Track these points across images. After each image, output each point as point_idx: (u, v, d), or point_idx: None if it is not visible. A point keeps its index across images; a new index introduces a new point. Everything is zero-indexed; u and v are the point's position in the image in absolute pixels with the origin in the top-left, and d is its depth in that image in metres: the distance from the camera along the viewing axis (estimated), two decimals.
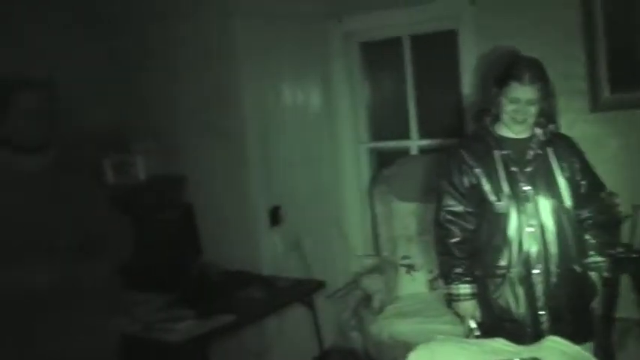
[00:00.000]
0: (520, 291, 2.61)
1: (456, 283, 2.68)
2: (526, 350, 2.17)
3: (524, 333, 2.57)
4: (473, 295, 2.68)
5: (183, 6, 3.77)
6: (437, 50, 4.15)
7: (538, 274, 2.59)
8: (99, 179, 3.60)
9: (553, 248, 2.58)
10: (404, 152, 4.29)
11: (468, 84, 3.84)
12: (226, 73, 3.70)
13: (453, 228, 2.67)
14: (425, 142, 4.22)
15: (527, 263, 2.59)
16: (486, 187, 2.62)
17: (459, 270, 2.67)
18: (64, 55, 3.66)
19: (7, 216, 2.38)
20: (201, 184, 3.85)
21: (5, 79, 2.44)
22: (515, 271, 2.60)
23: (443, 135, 4.10)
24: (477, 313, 2.71)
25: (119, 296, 2.73)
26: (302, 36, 4.07)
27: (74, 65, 3.71)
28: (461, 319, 2.77)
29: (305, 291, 3.45)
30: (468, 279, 2.67)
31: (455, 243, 2.67)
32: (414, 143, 4.25)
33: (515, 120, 2.57)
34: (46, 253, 2.41)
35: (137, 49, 3.97)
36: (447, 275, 2.72)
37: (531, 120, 2.58)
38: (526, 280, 2.60)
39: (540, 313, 2.61)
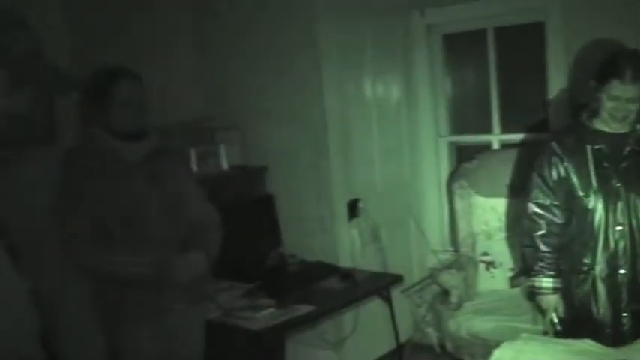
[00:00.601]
0: (603, 289, 2.55)
1: (540, 276, 2.65)
2: (615, 352, 2.11)
3: (603, 333, 2.51)
4: (555, 289, 2.64)
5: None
6: (522, 43, 4.06)
7: (624, 274, 2.51)
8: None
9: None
10: (485, 147, 4.22)
11: (554, 77, 3.74)
12: (309, 64, 3.72)
13: (540, 221, 2.63)
14: (507, 137, 4.13)
15: (613, 262, 2.53)
16: (575, 181, 2.56)
17: (542, 263, 2.63)
18: (157, 47, 3.77)
19: (109, 200, 2.48)
20: (282, 175, 3.90)
21: (106, 71, 2.55)
22: (600, 269, 2.54)
23: (526, 130, 4.01)
24: (560, 308, 2.67)
25: (207, 284, 2.80)
26: (384, 29, 4.06)
27: (165, 56, 3.82)
28: (542, 312, 2.73)
29: (383, 284, 3.45)
30: (551, 272, 2.63)
31: (540, 236, 2.63)
32: (496, 138, 4.17)
33: (615, 117, 2.49)
34: (147, 243, 2.50)
35: (222, 41, 4.04)
36: (530, 268, 2.68)
37: (632, 117, 2.49)
38: (611, 279, 2.54)
39: (623, 314, 2.54)
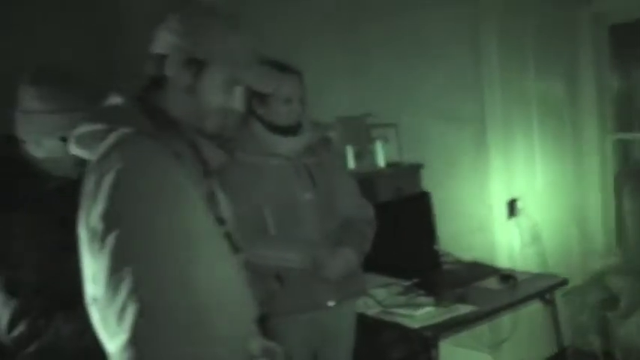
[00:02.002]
0: None
1: None
2: None
3: None
4: None
5: None
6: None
7: None
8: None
9: None
10: None
11: None
12: (467, 60, 3.64)
13: None
14: (622, 136, 3.84)
15: None
16: None
17: None
18: (313, 43, 3.85)
19: (266, 193, 2.55)
20: (438, 172, 3.84)
21: (273, 65, 2.62)
22: None
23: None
24: None
25: (361, 278, 2.80)
26: (546, 20, 3.89)
27: (321, 54, 3.89)
28: None
29: (546, 287, 3.30)
30: None
31: None
32: (611, 137, 3.89)
33: None
34: (298, 240, 2.55)
35: (377, 36, 4.05)
36: None
37: None
38: None
39: None
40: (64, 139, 1.90)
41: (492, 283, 3.28)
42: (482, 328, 3.66)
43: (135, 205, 1.42)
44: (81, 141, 1.57)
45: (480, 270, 3.46)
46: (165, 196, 1.45)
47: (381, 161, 3.79)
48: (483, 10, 3.59)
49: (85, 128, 1.57)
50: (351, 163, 3.70)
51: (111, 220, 1.40)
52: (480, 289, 3.25)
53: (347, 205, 2.70)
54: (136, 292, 1.36)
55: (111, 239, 1.39)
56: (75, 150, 1.59)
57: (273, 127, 2.57)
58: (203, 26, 1.57)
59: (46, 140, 1.92)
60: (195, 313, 1.45)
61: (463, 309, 2.99)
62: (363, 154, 3.78)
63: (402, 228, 3.54)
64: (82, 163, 1.96)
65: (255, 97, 2.59)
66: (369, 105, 4.08)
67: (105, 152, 1.48)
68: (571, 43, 4.02)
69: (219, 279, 1.57)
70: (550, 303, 3.30)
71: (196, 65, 1.55)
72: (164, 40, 1.58)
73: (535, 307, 3.48)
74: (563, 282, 3.35)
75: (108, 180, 1.42)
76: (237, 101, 1.60)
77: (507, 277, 3.30)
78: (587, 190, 4.15)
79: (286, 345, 2.57)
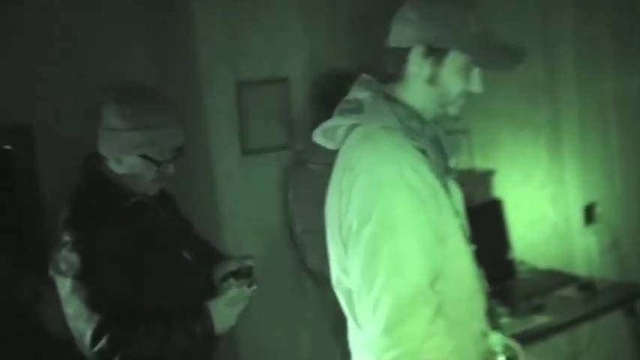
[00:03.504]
0: None
1: None
2: None
3: None
4: None
5: None
6: None
7: None
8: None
9: None
10: None
11: None
12: (540, 65, 3.57)
13: None
14: None
15: None
16: None
17: None
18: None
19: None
20: (511, 179, 3.77)
21: (343, 76, 2.63)
22: None
23: None
24: None
25: None
26: (624, 20, 3.77)
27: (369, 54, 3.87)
28: None
29: (627, 296, 3.19)
30: None
31: None
32: None
33: None
34: None
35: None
36: None
37: None
38: None
39: None
40: (144, 156, 1.96)
41: (570, 292, 3.21)
42: (560, 340, 3.55)
43: (388, 202, 1.49)
44: (327, 134, 1.72)
45: (557, 278, 3.39)
46: (416, 192, 1.50)
47: None
48: (561, 18, 3.50)
49: (332, 122, 1.69)
50: None
51: (366, 217, 1.49)
52: (557, 298, 3.18)
53: None
54: (389, 286, 1.46)
55: (366, 236, 1.49)
56: (319, 140, 1.74)
57: None
58: (441, 14, 1.59)
59: (126, 157, 1.98)
60: (440, 305, 1.51)
61: (539, 320, 2.94)
62: None
63: (474, 236, 3.49)
64: (160, 179, 2.03)
65: (323, 109, 2.61)
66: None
67: (356, 149, 1.59)
68: None
69: (461, 271, 1.66)
70: (632, 313, 3.19)
71: (436, 54, 1.59)
72: (402, 34, 1.62)
73: (615, 317, 3.36)
74: None
75: (363, 178, 1.52)
76: (476, 83, 1.64)
77: (586, 285, 3.21)
78: None
79: None
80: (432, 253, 1.51)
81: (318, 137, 1.74)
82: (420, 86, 1.62)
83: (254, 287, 2.06)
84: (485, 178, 3.82)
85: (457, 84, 1.61)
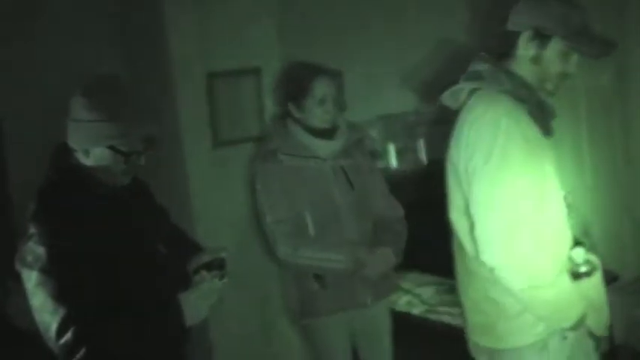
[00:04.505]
0: None
1: None
2: None
3: None
4: None
5: None
6: None
7: None
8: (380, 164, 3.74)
9: None
10: None
11: None
12: None
13: None
14: None
15: None
16: None
17: None
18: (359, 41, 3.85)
19: (306, 195, 2.58)
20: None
21: (307, 67, 2.65)
22: None
23: None
24: None
25: (395, 277, 2.82)
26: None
27: (361, 52, 3.88)
28: None
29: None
30: None
31: None
32: None
33: None
34: (340, 238, 2.58)
35: (418, 31, 4.03)
36: None
37: None
38: None
39: None
40: (112, 148, 1.95)
41: None
42: None
43: (506, 146, 1.84)
44: (452, 96, 2.07)
45: None
46: (527, 139, 1.87)
47: (424, 159, 3.77)
48: None
49: (457, 87, 2.05)
50: (393, 161, 3.69)
51: (488, 156, 1.85)
52: None
53: (380, 206, 2.73)
54: (503, 219, 1.82)
55: (489, 171, 1.85)
56: (446, 101, 2.10)
57: (311, 129, 2.61)
58: (547, 7, 1.94)
59: (94, 149, 1.96)
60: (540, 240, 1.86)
61: None
62: (406, 152, 3.76)
63: (445, 225, 3.51)
64: (129, 170, 2.01)
65: (291, 100, 2.63)
66: (414, 102, 4.07)
67: (479, 107, 1.94)
68: (620, 33, 3.91)
69: (556, 206, 2.02)
70: None
71: (541, 39, 1.94)
72: (515, 20, 1.98)
73: None
74: (614, 278, 3.29)
75: (486, 129, 1.87)
76: (572, 66, 1.98)
77: None
78: (637, 181, 4.05)
79: (327, 345, 2.65)
80: (536, 191, 1.88)
81: (446, 99, 2.10)
82: (525, 64, 1.98)
83: (225, 280, 2.06)
84: None
85: (556, 65, 1.97)
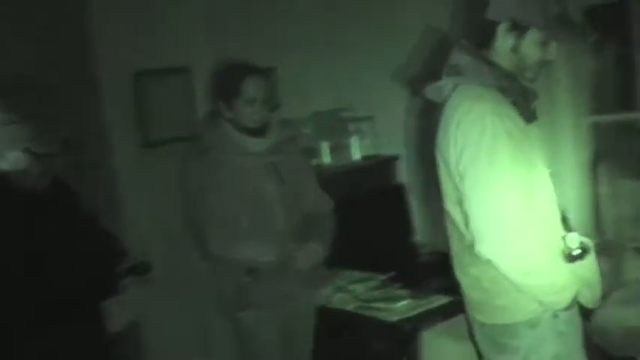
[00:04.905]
0: None
1: None
2: None
3: None
4: None
5: None
6: None
7: None
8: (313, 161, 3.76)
9: None
10: (631, 125, 3.94)
11: None
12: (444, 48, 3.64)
13: None
14: None
15: None
16: None
17: None
18: (291, 39, 3.85)
19: (237, 191, 2.60)
20: (416, 164, 3.84)
21: (236, 67, 2.65)
22: None
23: None
24: None
25: (323, 273, 2.86)
26: None
27: (296, 50, 3.89)
28: None
29: None
30: None
31: None
32: None
33: None
34: (269, 232, 2.62)
35: (350, 29, 4.04)
36: None
37: None
38: None
39: None
40: (27, 151, 1.90)
41: None
42: (460, 319, 3.66)
43: (492, 145, 1.91)
44: (436, 91, 2.09)
45: None
46: (512, 136, 1.93)
47: (357, 155, 3.80)
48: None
49: (439, 83, 2.07)
50: (326, 158, 3.71)
51: (476, 156, 1.92)
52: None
53: (310, 201, 2.78)
54: (494, 215, 1.90)
55: (476, 171, 1.92)
56: (430, 95, 2.13)
57: (242, 127, 2.62)
58: None
59: (9, 153, 1.91)
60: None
61: (440, 300, 3.02)
62: (339, 148, 3.78)
63: (378, 221, 3.56)
64: (47, 173, 1.97)
65: (221, 99, 2.63)
66: (348, 98, 4.09)
67: (462, 104, 1.96)
68: None
69: (545, 195, 2.09)
70: None
71: (518, 30, 1.98)
72: (494, 10, 2.00)
73: None
74: None
75: (471, 128, 1.92)
76: (552, 54, 2.01)
77: None
78: (562, 174, 4.15)
79: (260, 336, 2.68)
80: (522, 182, 1.95)
81: (429, 93, 2.13)
82: (504, 53, 2.02)
83: (150, 283, 2.04)
84: (388, 163, 3.89)
85: (535, 54, 2.00)
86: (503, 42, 2.01)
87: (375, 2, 3.88)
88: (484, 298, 2.18)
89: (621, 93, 4.01)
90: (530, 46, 2.00)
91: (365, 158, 3.85)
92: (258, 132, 2.66)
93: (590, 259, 2.15)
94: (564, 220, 2.21)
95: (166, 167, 3.15)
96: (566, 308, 2.07)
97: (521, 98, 2.04)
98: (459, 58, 2.05)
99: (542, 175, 2.11)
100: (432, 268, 3.42)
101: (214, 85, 2.74)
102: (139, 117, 3.06)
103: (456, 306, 3.15)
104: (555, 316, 2.08)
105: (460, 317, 3.63)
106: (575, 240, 2.09)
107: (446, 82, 2.07)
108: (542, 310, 2.06)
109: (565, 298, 2.04)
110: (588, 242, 2.15)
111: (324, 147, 3.72)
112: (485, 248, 1.95)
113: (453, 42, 2.13)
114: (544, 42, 1.99)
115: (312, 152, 3.78)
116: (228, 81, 2.64)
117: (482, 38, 2.05)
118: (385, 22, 3.87)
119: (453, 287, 3.16)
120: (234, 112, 2.63)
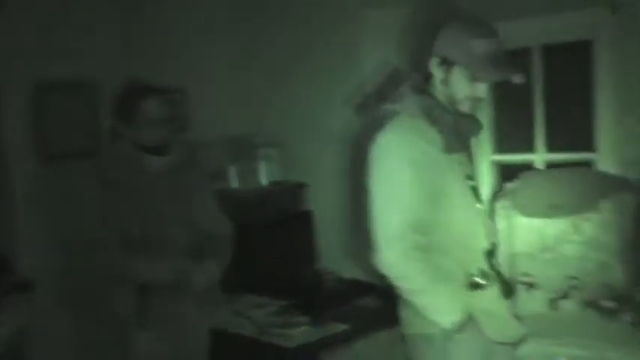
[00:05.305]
0: None
1: None
2: None
3: None
4: None
5: None
6: (568, 61, 3.97)
7: None
8: (221, 184, 3.74)
9: None
10: (529, 166, 4.13)
11: (601, 97, 3.65)
12: (348, 81, 3.72)
13: None
14: (552, 156, 4.04)
15: None
16: None
17: None
18: (202, 63, 3.84)
19: (134, 209, 2.58)
20: (323, 191, 3.88)
21: (136, 87, 2.63)
22: None
23: (571, 149, 3.92)
24: None
25: (218, 294, 2.84)
26: None
27: (209, 73, 3.88)
28: None
29: None
30: None
31: None
32: (540, 157, 4.07)
33: None
34: (166, 251, 2.60)
35: (267, 59, 4.08)
36: None
37: None
38: None
39: None
40: None
41: (369, 301, 3.35)
42: (363, 345, 3.70)
43: (392, 171, 2.07)
44: (385, 114, 2.21)
45: (361, 288, 3.53)
46: (416, 164, 2.06)
47: (264, 180, 3.81)
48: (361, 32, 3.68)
49: (386, 107, 2.23)
50: (234, 182, 3.70)
51: (377, 177, 2.11)
52: (357, 307, 3.31)
53: (207, 222, 2.78)
54: (380, 221, 2.10)
55: (374, 190, 2.12)
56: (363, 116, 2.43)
57: (141, 146, 2.61)
58: (452, 35, 2.11)
59: None
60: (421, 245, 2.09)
61: (338, 327, 3.05)
62: (247, 173, 3.79)
63: (283, 247, 3.57)
64: None
65: (121, 118, 2.62)
66: (256, 124, 4.11)
67: (383, 131, 2.13)
68: None
69: (458, 224, 2.16)
70: None
71: (447, 65, 2.11)
72: (431, 47, 2.15)
73: None
74: None
75: (379, 153, 2.11)
76: (481, 92, 2.13)
77: (385, 294, 3.37)
78: None
79: (153, 354, 2.63)
80: (418, 208, 2.07)
81: (364, 115, 2.47)
82: (439, 86, 2.16)
83: (31, 301, 1.97)
84: (296, 190, 3.92)
85: (464, 89, 2.12)
86: (435, 75, 2.16)
87: (294, 30, 3.93)
88: (400, 310, 2.37)
89: (521, 135, 4.20)
90: (458, 81, 2.12)
91: (273, 184, 3.87)
92: (158, 151, 2.65)
93: (492, 291, 2.22)
94: (491, 252, 2.27)
95: (66, 182, 3.06)
96: (456, 332, 2.14)
97: (452, 129, 2.14)
98: (403, 88, 2.24)
99: (456, 203, 2.17)
100: (334, 295, 3.45)
101: (115, 104, 2.71)
102: (39, 131, 2.96)
103: (355, 333, 3.21)
104: (448, 337, 2.16)
105: (359, 344, 3.69)
106: (478, 270, 2.19)
107: (390, 108, 2.22)
108: (435, 328, 2.16)
109: (448, 320, 2.12)
110: (491, 274, 2.23)
111: (232, 171, 3.71)
112: (377, 263, 2.13)
113: (398, 74, 2.28)
114: (472, 78, 2.11)
115: (221, 176, 3.77)
116: (129, 100, 2.63)
117: (425, 72, 2.20)
118: (303, 49, 3.93)
119: (354, 314, 3.22)
120: (134, 131, 2.62)
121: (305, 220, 3.79)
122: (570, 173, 3.84)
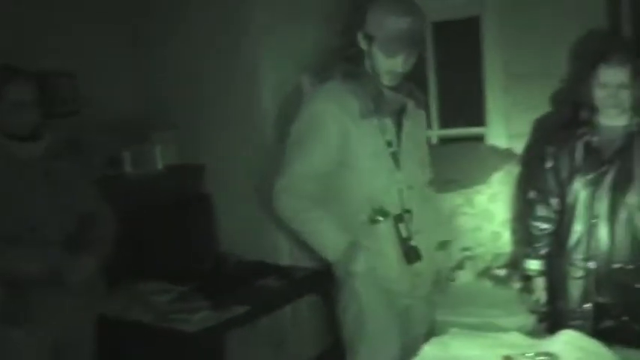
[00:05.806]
0: (574, 279, 2.62)
1: (531, 258, 2.83)
2: (541, 344, 2.13)
3: (574, 323, 2.55)
4: (542, 272, 2.81)
5: None
6: (458, 37, 4.08)
7: (595, 267, 2.60)
8: (115, 169, 3.64)
9: (610, 244, 2.56)
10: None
11: (490, 73, 3.79)
12: (247, 65, 3.69)
13: (536, 206, 2.77)
14: (444, 132, 4.16)
15: (588, 253, 2.59)
16: (564, 171, 2.65)
17: (535, 245, 2.79)
18: (85, 44, 3.69)
19: (5, 201, 2.44)
20: (222, 174, 3.82)
21: (0, 71, 2.48)
22: (575, 258, 2.62)
23: (463, 124, 4.05)
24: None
25: (100, 285, 2.74)
26: None
27: (97, 54, 3.74)
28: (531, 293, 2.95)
29: (321, 281, 3.43)
30: (541, 255, 2.79)
31: (534, 219, 2.79)
32: (434, 133, 4.18)
33: (605, 105, 2.57)
34: (38, 242, 2.46)
35: (160, 39, 3.97)
36: (524, 249, 2.90)
37: (626, 105, 2.55)
38: (584, 269, 2.61)
39: (585, 305, 2.62)
40: None
41: (270, 281, 3.36)
42: (266, 326, 3.71)
43: (306, 131, 2.35)
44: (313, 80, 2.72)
45: (262, 269, 3.52)
46: (328, 129, 2.31)
47: (159, 164, 3.72)
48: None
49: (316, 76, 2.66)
50: (128, 167, 3.60)
51: (292, 134, 2.40)
52: (258, 288, 3.31)
53: (86, 208, 2.66)
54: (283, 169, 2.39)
55: (288, 143, 2.41)
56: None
57: (8, 133, 2.47)
58: (373, 12, 2.31)
59: None
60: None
61: (239, 309, 3.04)
62: (141, 157, 3.68)
63: (181, 232, 3.51)
64: None
65: None
66: (152, 108, 4.01)
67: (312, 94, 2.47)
68: None
69: (373, 181, 2.36)
70: (326, 296, 3.43)
71: (368, 39, 2.33)
72: (360, 22, 2.35)
73: (318, 300, 3.60)
74: None
75: (300, 115, 2.40)
76: (399, 64, 2.32)
77: (285, 274, 3.40)
78: None
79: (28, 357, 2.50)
80: (318, 163, 2.33)
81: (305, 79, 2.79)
82: (365, 59, 2.37)
83: None
84: (194, 173, 3.85)
85: (381, 62, 2.33)
86: (362, 48, 2.36)
87: (191, 11, 3.85)
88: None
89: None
90: (377, 54, 2.32)
91: (169, 168, 3.78)
92: (28, 137, 2.52)
93: (383, 228, 2.36)
94: (399, 217, 2.37)
95: None
96: (348, 270, 2.36)
97: (376, 97, 2.33)
98: (341, 64, 2.43)
99: (367, 165, 2.35)
100: (235, 279, 3.42)
101: None
102: None
103: (256, 315, 3.20)
104: (349, 274, 2.38)
105: (263, 324, 3.69)
106: (377, 207, 2.35)
107: (316, 77, 2.60)
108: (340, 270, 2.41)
109: (332, 252, 2.37)
110: (388, 211, 2.36)
111: (126, 155, 3.61)
112: (274, 208, 2.42)
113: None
114: (388, 53, 2.30)
115: (115, 161, 3.66)
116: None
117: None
118: (200, 32, 3.85)
119: (255, 295, 3.21)
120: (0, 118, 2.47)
121: (203, 203, 3.74)
122: (462, 148, 3.98)
